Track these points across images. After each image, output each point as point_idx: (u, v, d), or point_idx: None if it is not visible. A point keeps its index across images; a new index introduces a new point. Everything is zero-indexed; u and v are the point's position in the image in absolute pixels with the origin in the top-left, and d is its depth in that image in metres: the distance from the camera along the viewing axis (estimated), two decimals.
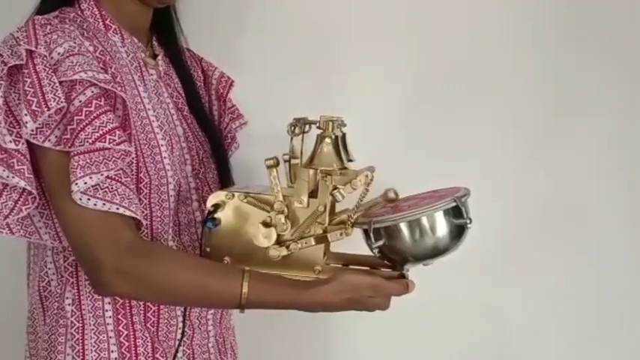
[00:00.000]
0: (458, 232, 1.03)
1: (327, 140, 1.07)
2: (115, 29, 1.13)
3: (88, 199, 0.97)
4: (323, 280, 1.03)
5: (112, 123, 0.99)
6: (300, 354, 1.66)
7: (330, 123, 1.07)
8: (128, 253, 1.00)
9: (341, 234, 1.05)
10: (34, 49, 0.99)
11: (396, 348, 1.63)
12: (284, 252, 1.06)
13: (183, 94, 1.23)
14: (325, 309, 1.03)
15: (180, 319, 1.14)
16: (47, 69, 0.98)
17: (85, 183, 0.97)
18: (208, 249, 1.09)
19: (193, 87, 1.25)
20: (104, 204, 0.98)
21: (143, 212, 1.05)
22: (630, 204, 1.59)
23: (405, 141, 1.56)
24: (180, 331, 1.14)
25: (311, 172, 1.06)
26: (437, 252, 1.04)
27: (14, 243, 1.11)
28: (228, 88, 1.34)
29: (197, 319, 1.17)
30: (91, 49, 1.04)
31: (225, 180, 1.23)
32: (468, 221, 1.01)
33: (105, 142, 0.97)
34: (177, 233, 1.14)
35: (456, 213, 1.02)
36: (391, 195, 1.10)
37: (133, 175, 1.04)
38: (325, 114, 1.09)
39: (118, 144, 0.98)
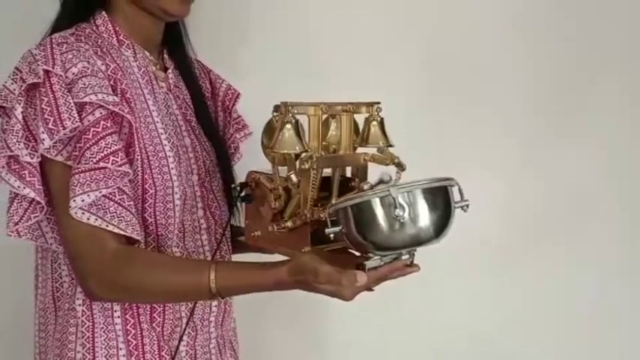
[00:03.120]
0: (403, 222, 0.94)
1: (288, 126, 1.05)
2: (128, 44, 1.18)
3: (83, 213, 1.04)
4: (284, 261, 1.04)
5: (116, 145, 1.05)
6: (294, 355, 1.67)
7: (289, 107, 1.05)
8: (111, 263, 1.05)
9: (312, 214, 1.05)
10: (51, 69, 1.04)
11: (395, 348, 1.63)
12: (275, 228, 1.10)
13: (192, 106, 1.26)
14: (284, 288, 1.02)
15: (185, 320, 1.18)
16: (63, 89, 1.04)
17: (83, 200, 1.03)
18: (248, 221, 1.16)
19: (202, 99, 1.29)
20: (96, 219, 1.04)
21: (147, 220, 1.11)
22: (630, 204, 1.60)
23: (405, 141, 1.56)
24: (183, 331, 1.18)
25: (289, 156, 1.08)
26: (385, 243, 0.95)
27: (15, 244, 1.12)
28: (234, 100, 1.37)
29: (200, 320, 1.22)
30: (103, 68, 1.09)
31: (229, 188, 1.25)
32: (401, 212, 0.93)
33: (108, 162, 1.03)
34: (182, 239, 1.18)
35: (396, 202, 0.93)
36: (382, 179, 1.01)
37: (131, 191, 1.08)
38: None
39: (119, 165, 1.04)
